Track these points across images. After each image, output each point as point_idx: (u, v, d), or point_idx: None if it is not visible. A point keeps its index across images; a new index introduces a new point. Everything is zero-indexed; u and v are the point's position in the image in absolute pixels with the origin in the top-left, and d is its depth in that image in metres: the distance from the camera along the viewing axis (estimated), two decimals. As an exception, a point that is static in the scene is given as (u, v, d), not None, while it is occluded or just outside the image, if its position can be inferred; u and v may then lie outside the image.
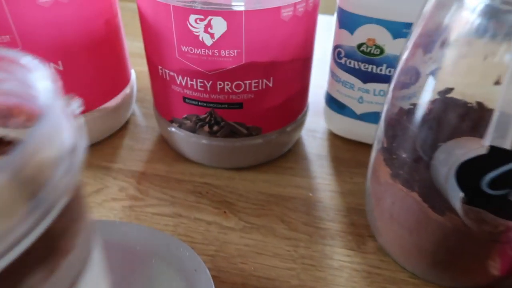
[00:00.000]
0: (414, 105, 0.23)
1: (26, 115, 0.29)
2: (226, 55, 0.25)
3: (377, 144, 0.25)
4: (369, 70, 0.31)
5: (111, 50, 0.32)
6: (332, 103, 0.35)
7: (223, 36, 0.24)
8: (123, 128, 0.37)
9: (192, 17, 0.24)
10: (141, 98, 0.41)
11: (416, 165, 0.21)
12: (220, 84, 0.27)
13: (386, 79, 0.31)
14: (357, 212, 0.30)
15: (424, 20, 0.22)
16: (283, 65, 0.27)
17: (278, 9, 0.24)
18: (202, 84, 0.27)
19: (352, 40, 0.30)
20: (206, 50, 0.25)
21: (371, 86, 0.32)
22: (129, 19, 0.56)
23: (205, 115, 0.29)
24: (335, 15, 0.32)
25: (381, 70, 0.30)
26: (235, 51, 0.25)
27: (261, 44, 0.25)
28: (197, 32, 0.24)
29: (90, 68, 0.30)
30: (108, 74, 0.32)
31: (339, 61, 0.32)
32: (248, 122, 0.29)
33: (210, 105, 0.28)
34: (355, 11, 0.29)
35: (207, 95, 0.28)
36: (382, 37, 0.29)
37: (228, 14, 0.24)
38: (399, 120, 0.23)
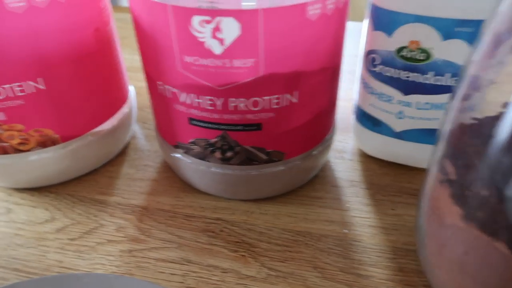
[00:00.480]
0: (478, 120, 0.18)
1: (21, 139, 0.23)
2: (240, 65, 0.20)
3: (437, 173, 0.19)
4: (412, 79, 0.25)
5: (104, 64, 0.27)
6: (365, 119, 0.30)
7: (235, 42, 0.20)
8: (122, 153, 0.32)
9: (196, 19, 0.19)
10: (142, 117, 0.37)
11: (504, 205, 0.16)
12: (233, 102, 0.22)
13: (433, 90, 0.25)
14: (405, 254, 0.24)
15: (500, 17, 0.16)
16: (309, 76, 0.22)
17: (303, 6, 0.19)
18: (211, 102, 0.22)
19: (390, 44, 0.25)
20: (215, 60, 0.20)
21: (413, 98, 0.26)
22: (129, 31, 0.53)
23: (216, 139, 0.24)
24: (367, 15, 0.27)
25: (426, 79, 0.25)
26: (251, 60, 0.20)
27: (282, 51, 0.20)
28: (202, 38, 0.20)
29: (79, 85, 0.26)
30: (101, 92, 0.27)
31: (373, 69, 0.27)
32: (268, 146, 0.24)
33: (222, 127, 0.23)
34: (394, 7, 0.24)
35: (218, 115, 0.23)
36: (428, 38, 0.24)
37: (242, 14, 0.19)
38: (470, 142, 0.17)
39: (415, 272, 0.23)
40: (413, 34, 0.24)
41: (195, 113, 0.23)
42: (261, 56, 0.20)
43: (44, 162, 0.26)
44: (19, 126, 0.24)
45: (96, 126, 0.28)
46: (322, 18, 0.21)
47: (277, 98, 0.22)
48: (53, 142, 0.26)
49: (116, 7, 0.65)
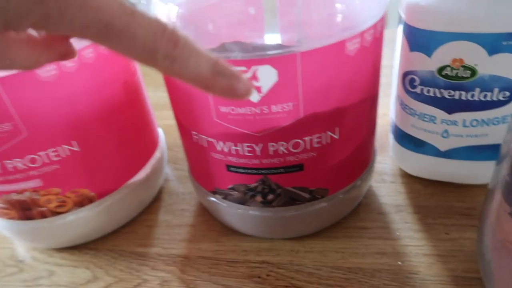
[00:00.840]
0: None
1: (59, 202, 0.23)
2: (279, 110, 0.19)
3: (506, 205, 0.18)
4: (456, 97, 0.24)
5: (134, 115, 0.26)
6: (406, 140, 0.28)
7: (273, 88, 0.19)
8: (157, 199, 0.31)
9: (231, 70, 0.18)
10: (172, 157, 0.36)
11: None
12: (273, 146, 0.21)
13: (480, 106, 0.24)
14: (467, 283, 0.23)
15: None
16: (350, 110, 0.21)
17: (342, 43, 0.18)
18: (250, 149, 0.21)
19: (430, 64, 0.24)
20: (253, 108, 0.19)
21: (459, 116, 0.25)
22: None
23: (256, 184, 0.23)
24: (400, 34, 0.25)
25: (473, 95, 0.24)
26: (290, 104, 0.19)
27: (322, 90, 0.19)
28: (238, 87, 0.19)
29: (111, 140, 0.25)
30: (133, 143, 0.27)
31: (412, 90, 0.25)
32: (311, 185, 0.23)
33: (262, 171, 0.22)
34: (432, 27, 0.22)
35: (257, 160, 0.22)
36: (473, 55, 0.22)
37: (279, 61, 0.18)
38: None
39: (485, 307, 0.22)
40: (456, 52, 0.22)
41: (233, 160, 0.22)
42: (300, 98, 0.19)
43: (82, 221, 0.26)
44: (56, 190, 0.24)
45: (131, 177, 0.27)
46: (361, 51, 0.19)
47: (318, 137, 0.21)
48: (89, 200, 0.25)
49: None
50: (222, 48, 0.18)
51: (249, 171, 0.22)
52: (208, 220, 0.29)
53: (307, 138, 0.21)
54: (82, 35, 0.11)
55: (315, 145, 0.21)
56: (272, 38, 0.18)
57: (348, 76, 0.20)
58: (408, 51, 0.24)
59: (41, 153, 0.22)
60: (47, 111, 0.21)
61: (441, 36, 0.22)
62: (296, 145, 0.21)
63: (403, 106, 0.27)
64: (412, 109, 0.26)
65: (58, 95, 0.21)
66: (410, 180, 0.30)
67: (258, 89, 0.19)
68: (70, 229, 0.26)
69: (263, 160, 0.22)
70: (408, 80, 0.25)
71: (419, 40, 0.23)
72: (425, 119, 0.26)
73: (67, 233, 0.26)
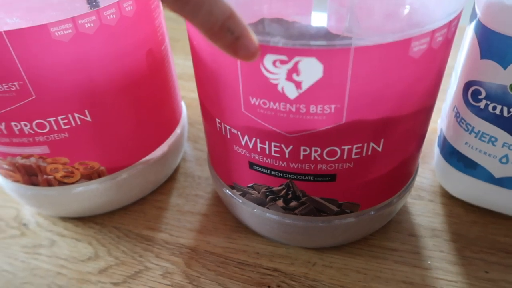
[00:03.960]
0: None
1: (66, 172, 0.22)
2: (318, 112, 0.16)
3: None
4: (528, 120, 0.20)
5: (156, 88, 0.24)
6: (455, 158, 0.25)
7: (315, 85, 0.16)
8: (171, 179, 0.29)
9: (269, 58, 0.15)
10: (193, 135, 0.34)
11: None
12: (305, 151, 0.18)
13: (555, 135, 0.20)
14: (504, 337, 0.20)
15: None
16: (401, 121, 0.18)
17: (407, 42, 0.15)
18: (278, 149, 0.18)
19: (504, 77, 0.20)
20: (288, 105, 0.16)
21: (526, 142, 0.21)
22: (182, 32, 0.49)
23: (280, 187, 0.20)
24: (471, 34, 0.22)
25: (548, 121, 0.20)
26: (332, 106, 0.16)
27: (372, 95, 0.16)
28: (275, 79, 0.16)
29: (128, 114, 0.23)
30: (152, 118, 0.25)
31: (475, 104, 0.22)
32: (341, 198, 0.20)
33: (288, 175, 0.19)
34: (516, 34, 0.19)
35: (285, 163, 0.19)
36: (560, 74, 0.18)
37: (328, 54, 0.15)
38: None
39: None
40: (539, 68, 0.19)
41: (258, 158, 0.19)
42: (345, 101, 0.16)
43: (90, 194, 0.24)
44: (64, 159, 0.22)
45: (146, 154, 0.25)
46: (427, 53, 0.16)
47: (359, 147, 0.18)
48: (99, 175, 0.23)
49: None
50: (262, 26, 0.15)
51: (273, 172, 0.20)
52: (222, 212, 0.27)
53: (345, 147, 0.18)
54: None
55: (354, 156, 0.18)
56: (318, 20, 0.15)
57: (407, 82, 0.16)
58: (478, 58, 0.21)
59: (49, 119, 0.20)
60: (58, 75, 0.19)
61: (526, 46, 0.19)
62: (331, 153, 0.18)
63: (459, 119, 0.23)
64: (469, 124, 0.23)
65: (71, 57, 0.19)
66: (451, 202, 0.27)
67: (298, 85, 0.16)
68: (76, 201, 0.24)
69: (291, 163, 0.19)
70: (471, 91, 0.22)
71: (495, 46, 0.20)
72: (483, 138, 0.22)
73: (72, 204, 0.25)
